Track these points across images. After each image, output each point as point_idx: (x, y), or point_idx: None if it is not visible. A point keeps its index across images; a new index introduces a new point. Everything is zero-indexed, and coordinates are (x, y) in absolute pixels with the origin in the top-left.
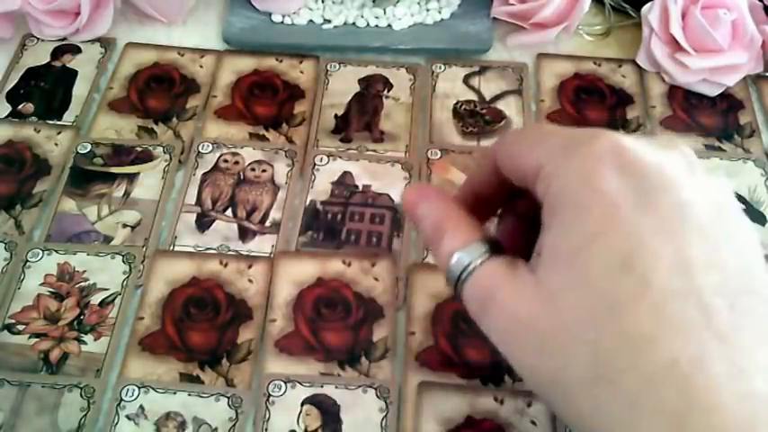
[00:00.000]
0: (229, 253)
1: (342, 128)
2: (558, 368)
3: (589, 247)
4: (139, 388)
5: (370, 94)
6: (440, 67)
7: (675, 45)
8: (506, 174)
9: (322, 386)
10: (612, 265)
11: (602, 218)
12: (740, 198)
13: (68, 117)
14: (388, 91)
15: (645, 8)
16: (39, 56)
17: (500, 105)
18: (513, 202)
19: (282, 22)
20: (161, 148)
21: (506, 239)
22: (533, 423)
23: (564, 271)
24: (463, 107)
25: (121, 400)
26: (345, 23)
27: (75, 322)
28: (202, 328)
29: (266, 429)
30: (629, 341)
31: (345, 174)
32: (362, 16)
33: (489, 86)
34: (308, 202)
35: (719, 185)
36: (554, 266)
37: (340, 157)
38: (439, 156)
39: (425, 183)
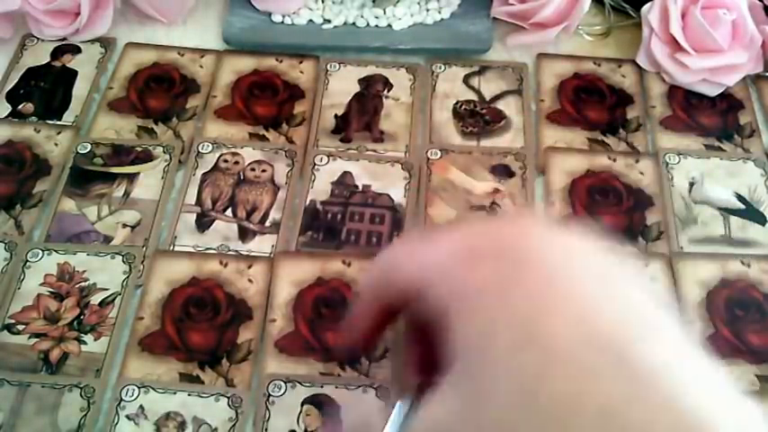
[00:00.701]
0: (229, 253)
1: (342, 128)
2: None
3: (488, 346)
4: (139, 388)
5: (370, 94)
6: (440, 67)
7: (675, 45)
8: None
9: (322, 386)
10: (515, 352)
11: (493, 312)
12: (740, 198)
13: (68, 117)
14: (388, 91)
15: (645, 8)
16: (39, 56)
17: (500, 105)
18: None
19: (282, 22)
20: (161, 148)
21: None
22: None
23: (472, 380)
24: (463, 107)
25: (121, 400)
26: (345, 23)
27: (75, 322)
28: (202, 328)
29: (266, 429)
30: (552, 419)
31: (345, 174)
32: (362, 16)
33: (489, 86)
34: (308, 202)
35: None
36: (464, 378)
37: (340, 157)
38: (439, 156)
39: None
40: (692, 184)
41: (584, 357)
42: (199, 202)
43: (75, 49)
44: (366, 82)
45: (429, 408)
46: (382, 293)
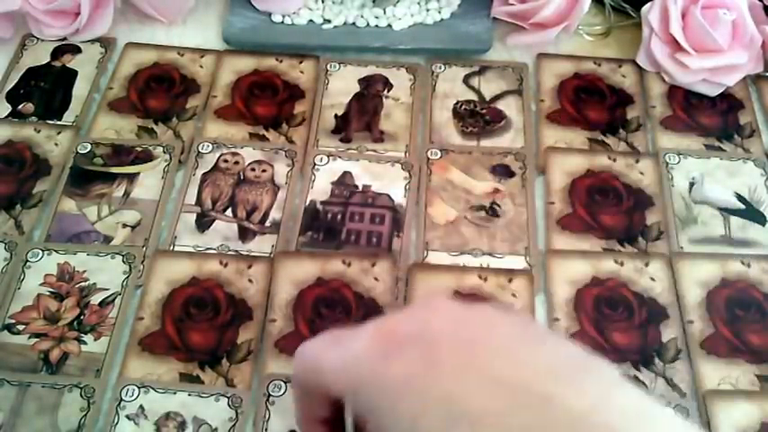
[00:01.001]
0: (229, 253)
1: (342, 128)
2: None
3: None
4: (139, 388)
5: (370, 94)
6: (440, 68)
7: (675, 45)
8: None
9: None
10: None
11: (407, 401)
12: (740, 198)
13: (68, 117)
14: (388, 91)
15: (645, 8)
16: (39, 56)
17: (500, 105)
18: None
19: (282, 22)
20: (161, 148)
21: None
22: None
23: None
24: (463, 107)
25: (121, 400)
26: (345, 23)
27: (75, 322)
28: (202, 328)
29: (266, 429)
30: None
31: (345, 174)
32: (362, 16)
33: (489, 86)
34: (307, 202)
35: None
36: None
37: (340, 157)
38: (439, 156)
39: None
40: (692, 184)
41: (512, 420)
42: (199, 202)
43: (76, 49)
44: (366, 82)
45: None
46: (312, 393)
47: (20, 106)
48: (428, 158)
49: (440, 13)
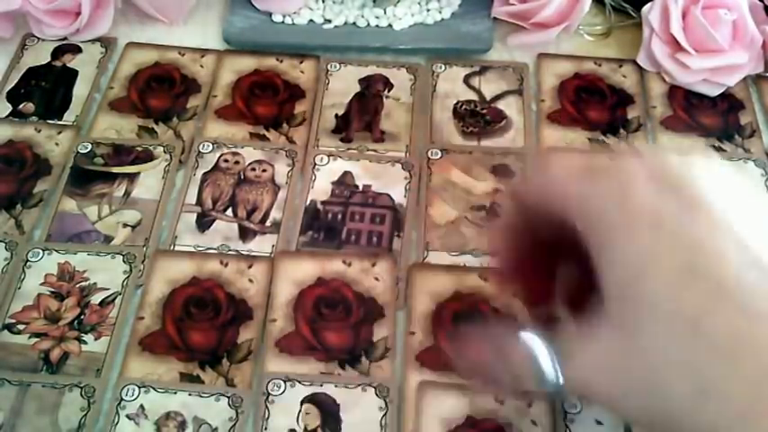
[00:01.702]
0: (230, 253)
1: (342, 128)
2: (662, 402)
3: (647, 270)
4: (140, 388)
5: (371, 94)
6: (440, 67)
7: (676, 45)
8: (543, 214)
9: (321, 385)
10: (678, 280)
11: (651, 236)
12: None
13: (69, 117)
14: (389, 91)
15: (645, 8)
16: (39, 55)
17: (500, 105)
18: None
19: (283, 22)
20: (161, 148)
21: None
22: (534, 423)
23: (631, 306)
24: (464, 107)
25: (122, 399)
26: (346, 23)
27: (76, 322)
28: (203, 328)
29: (266, 428)
30: (722, 352)
31: (346, 174)
32: (363, 16)
33: (490, 86)
34: (308, 202)
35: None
36: (621, 305)
37: (340, 157)
38: (439, 156)
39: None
40: None
41: (752, 296)
42: (199, 201)
43: (76, 49)
44: (366, 82)
45: (587, 348)
46: (538, 217)
47: (20, 106)
48: (428, 158)
49: (440, 12)
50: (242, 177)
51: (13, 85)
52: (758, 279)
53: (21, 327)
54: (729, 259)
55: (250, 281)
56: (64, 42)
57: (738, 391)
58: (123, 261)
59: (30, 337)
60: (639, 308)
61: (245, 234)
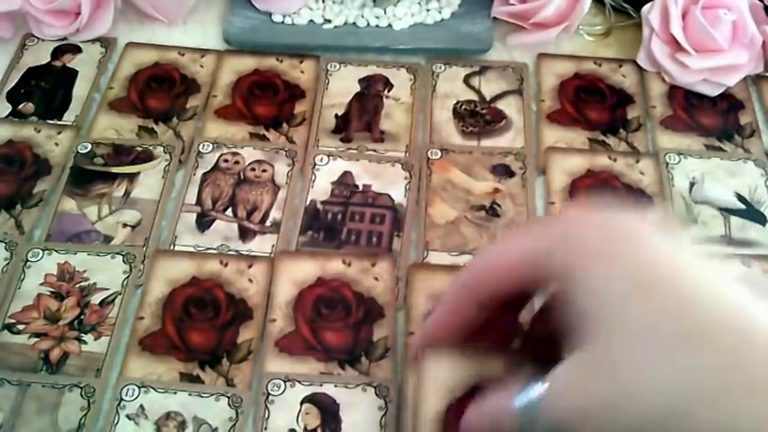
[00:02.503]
0: (229, 253)
1: (342, 128)
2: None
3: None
4: (139, 388)
5: (371, 94)
6: (440, 67)
7: (676, 45)
8: (503, 283)
9: (321, 385)
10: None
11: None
12: (740, 198)
13: (69, 117)
14: (389, 91)
15: (645, 8)
16: (39, 56)
17: (500, 105)
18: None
19: (283, 22)
20: (161, 148)
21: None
22: None
23: (609, 326)
24: (463, 107)
25: (122, 399)
26: (346, 23)
27: (76, 322)
28: (202, 328)
29: (266, 428)
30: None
31: (345, 174)
32: (363, 16)
33: (489, 86)
34: (308, 202)
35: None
36: (598, 327)
37: (340, 157)
38: (439, 156)
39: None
40: (692, 185)
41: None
42: (199, 201)
43: (76, 49)
44: (366, 82)
45: (562, 371)
46: (479, 290)
47: (20, 106)
48: (428, 158)
49: (440, 12)
50: (242, 177)
51: (12, 85)
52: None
53: (21, 327)
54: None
55: (250, 281)
56: (64, 42)
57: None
58: (123, 261)
59: (30, 337)
60: (618, 328)
61: (244, 234)
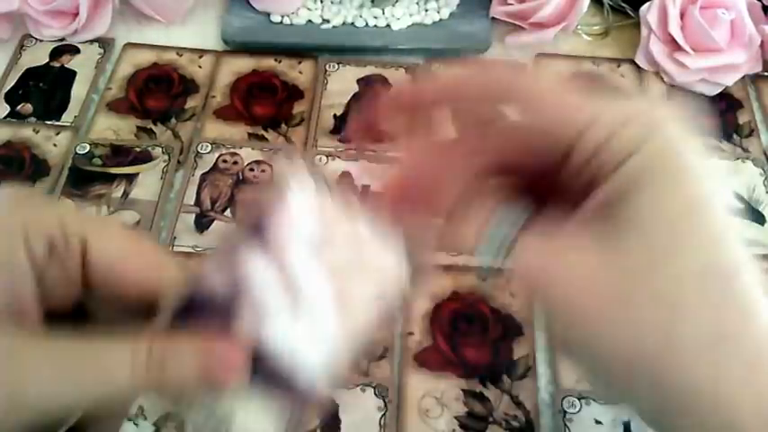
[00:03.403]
0: None
1: (341, 128)
2: (672, 325)
3: (702, 212)
4: None
5: (369, 95)
6: (439, 67)
7: (674, 45)
8: (536, 124)
9: None
10: (726, 233)
11: (709, 186)
12: (739, 198)
13: (67, 117)
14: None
15: (643, 8)
16: (37, 56)
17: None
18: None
19: (281, 22)
20: (160, 149)
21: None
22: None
23: (675, 231)
24: None
25: None
26: (344, 23)
27: None
28: None
29: None
30: (743, 305)
31: (344, 174)
32: (361, 16)
33: None
34: None
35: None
36: (660, 225)
37: (339, 157)
38: None
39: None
40: None
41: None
42: (198, 202)
43: (74, 50)
44: (365, 82)
45: (571, 257)
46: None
47: (18, 107)
48: None
49: (438, 12)
50: (240, 178)
51: (11, 85)
52: None
53: None
54: (735, 235)
55: None
56: (62, 43)
57: (748, 346)
58: None
59: None
60: (672, 247)
61: None
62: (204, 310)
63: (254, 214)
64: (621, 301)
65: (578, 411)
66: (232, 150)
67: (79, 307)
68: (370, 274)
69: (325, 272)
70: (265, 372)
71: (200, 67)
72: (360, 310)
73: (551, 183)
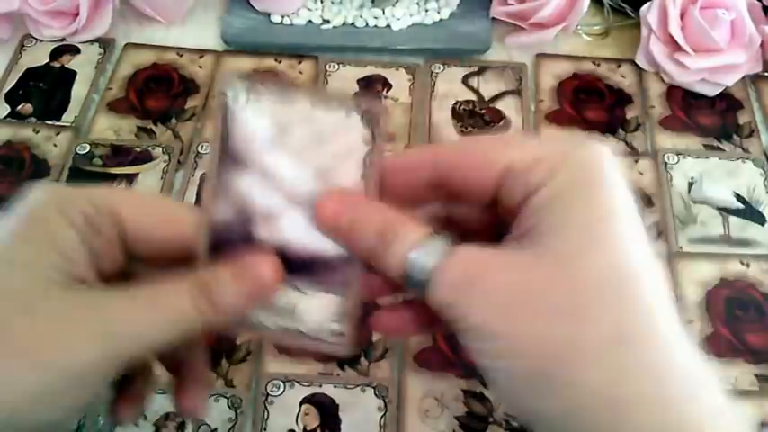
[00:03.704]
0: None
1: None
2: (574, 332)
3: (602, 221)
4: None
5: (370, 95)
6: (439, 68)
7: (674, 45)
8: (455, 180)
9: (320, 385)
10: (628, 238)
11: (613, 201)
12: (739, 198)
13: (67, 118)
14: (387, 91)
15: (644, 8)
16: (37, 56)
17: (499, 105)
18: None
19: (281, 23)
20: (160, 149)
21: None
22: None
23: (576, 240)
24: (462, 107)
25: None
26: (344, 24)
27: None
28: None
29: (265, 429)
30: (647, 311)
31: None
32: (361, 16)
33: (488, 87)
34: None
35: None
36: (564, 238)
37: None
38: None
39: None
40: (690, 184)
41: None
42: (198, 202)
43: (74, 50)
44: (365, 82)
45: (497, 267)
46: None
47: (19, 107)
48: None
49: (439, 13)
50: None
51: (11, 86)
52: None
53: None
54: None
55: None
56: (62, 43)
57: (650, 349)
58: None
59: None
60: (583, 250)
61: None
62: (227, 240)
63: (217, 138)
64: (527, 316)
65: None
66: None
67: (123, 276)
68: (340, 144)
69: (300, 159)
70: (298, 266)
71: (200, 67)
72: (348, 176)
73: (479, 220)
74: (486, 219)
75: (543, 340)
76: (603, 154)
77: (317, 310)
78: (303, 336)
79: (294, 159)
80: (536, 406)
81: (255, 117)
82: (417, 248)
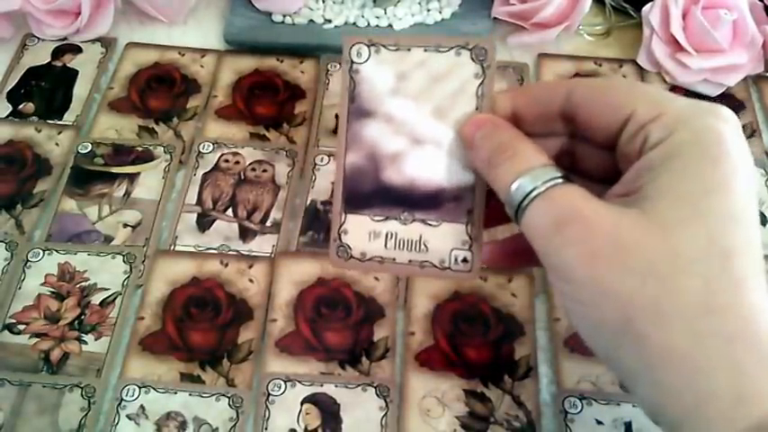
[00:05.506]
0: (230, 253)
1: None
2: (664, 295)
3: (712, 194)
4: (140, 388)
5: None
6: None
7: (676, 45)
8: (582, 115)
9: (322, 385)
10: (733, 217)
11: (728, 174)
12: None
13: (69, 117)
14: None
15: (645, 8)
16: (39, 56)
17: None
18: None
19: (283, 22)
20: (162, 148)
21: None
22: (513, 295)
23: (682, 209)
24: None
25: (122, 399)
26: (346, 23)
27: (76, 322)
28: (203, 328)
29: (266, 428)
30: (737, 284)
31: None
32: (363, 16)
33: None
34: (308, 202)
35: None
36: (671, 204)
37: None
38: None
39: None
40: None
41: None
42: (199, 201)
43: (76, 49)
44: None
45: (596, 214)
46: (574, 113)
47: (20, 106)
48: None
49: (440, 12)
50: (242, 177)
51: (13, 85)
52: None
53: (21, 327)
54: (757, 222)
55: (250, 281)
56: (64, 42)
57: (733, 322)
58: (123, 261)
59: (30, 338)
60: (685, 220)
61: (245, 234)
62: (360, 184)
63: (345, 94)
64: (616, 270)
65: (580, 412)
66: (234, 150)
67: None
68: (453, 82)
69: (419, 101)
70: (424, 201)
71: (202, 66)
72: (463, 109)
73: (598, 164)
74: (606, 163)
75: (630, 297)
76: (728, 121)
77: (442, 239)
78: (430, 266)
79: (414, 102)
80: (615, 354)
81: (377, 69)
82: (527, 172)
